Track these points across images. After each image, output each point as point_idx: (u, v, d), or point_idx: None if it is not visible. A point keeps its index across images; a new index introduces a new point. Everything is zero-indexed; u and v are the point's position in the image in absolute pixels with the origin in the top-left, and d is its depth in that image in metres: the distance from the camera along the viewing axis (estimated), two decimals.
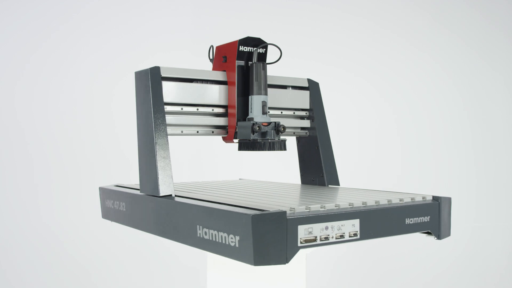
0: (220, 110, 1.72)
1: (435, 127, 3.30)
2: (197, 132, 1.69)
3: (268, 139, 1.59)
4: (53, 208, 3.12)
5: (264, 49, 1.69)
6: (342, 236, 1.26)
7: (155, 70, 1.58)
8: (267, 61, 1.73)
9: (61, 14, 3.11)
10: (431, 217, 1.45)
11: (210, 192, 1.62)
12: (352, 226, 1.28)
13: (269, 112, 1.68)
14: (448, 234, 1.49)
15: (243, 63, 1.67)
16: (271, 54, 1.74)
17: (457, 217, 2.83)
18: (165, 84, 1.61)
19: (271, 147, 1.59)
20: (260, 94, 1.63)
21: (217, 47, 1.75)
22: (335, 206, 1.30)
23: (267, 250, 1.14)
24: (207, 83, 1.69)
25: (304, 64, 3.11)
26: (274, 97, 1.80)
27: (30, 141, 3.09)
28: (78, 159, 3.14)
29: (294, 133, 1.90)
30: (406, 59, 3.21)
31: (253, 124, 1.57)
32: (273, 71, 1.79)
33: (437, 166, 3.31)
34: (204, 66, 1.78)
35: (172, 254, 3.16)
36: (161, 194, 1.48)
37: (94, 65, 3.16)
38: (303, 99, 1.89)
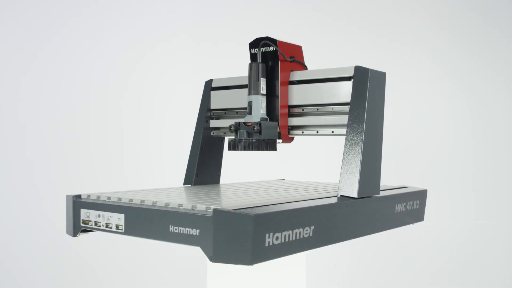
0: None
1: (435, 126, 3.25)
2: None
3: (240, 139, 1.60)
4: (56, 205, 3.05)
5: (273, 48, 1.65)
6: (108, 226, 1.36)
7: (209, 82, 1.91)
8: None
9: (59, 16, 3.26)
10: (201, 231, 1.16)
11: None
12: (118, 219, 1.34)
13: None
14: (242, 262, 1.10)
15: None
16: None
17: (457, 216, 3.30)
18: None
19: (235, 146, 1.59)
20: (249, 94, 1.64)
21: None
22: (117, 199, 1.38)
23: (68, 224, 1.51)
24: None
25: None
26: (309, 93, 1.65)
27: (32, 139, 3.21)
28: (80, 156, 3.23)
29: (332, 132, 1.60)
30: (405, 62, 3.23)
31: (230, 126, 1.64)
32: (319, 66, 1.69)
33: (438, 165, 3.27)
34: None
35: (172, 254, 3.17)
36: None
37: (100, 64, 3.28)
38: (345, 92, 1.57)
